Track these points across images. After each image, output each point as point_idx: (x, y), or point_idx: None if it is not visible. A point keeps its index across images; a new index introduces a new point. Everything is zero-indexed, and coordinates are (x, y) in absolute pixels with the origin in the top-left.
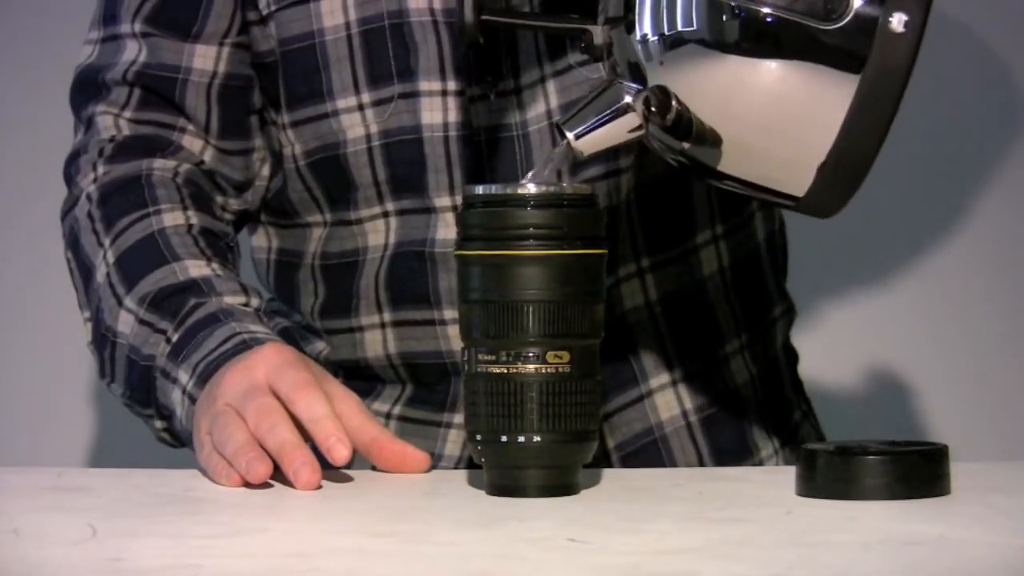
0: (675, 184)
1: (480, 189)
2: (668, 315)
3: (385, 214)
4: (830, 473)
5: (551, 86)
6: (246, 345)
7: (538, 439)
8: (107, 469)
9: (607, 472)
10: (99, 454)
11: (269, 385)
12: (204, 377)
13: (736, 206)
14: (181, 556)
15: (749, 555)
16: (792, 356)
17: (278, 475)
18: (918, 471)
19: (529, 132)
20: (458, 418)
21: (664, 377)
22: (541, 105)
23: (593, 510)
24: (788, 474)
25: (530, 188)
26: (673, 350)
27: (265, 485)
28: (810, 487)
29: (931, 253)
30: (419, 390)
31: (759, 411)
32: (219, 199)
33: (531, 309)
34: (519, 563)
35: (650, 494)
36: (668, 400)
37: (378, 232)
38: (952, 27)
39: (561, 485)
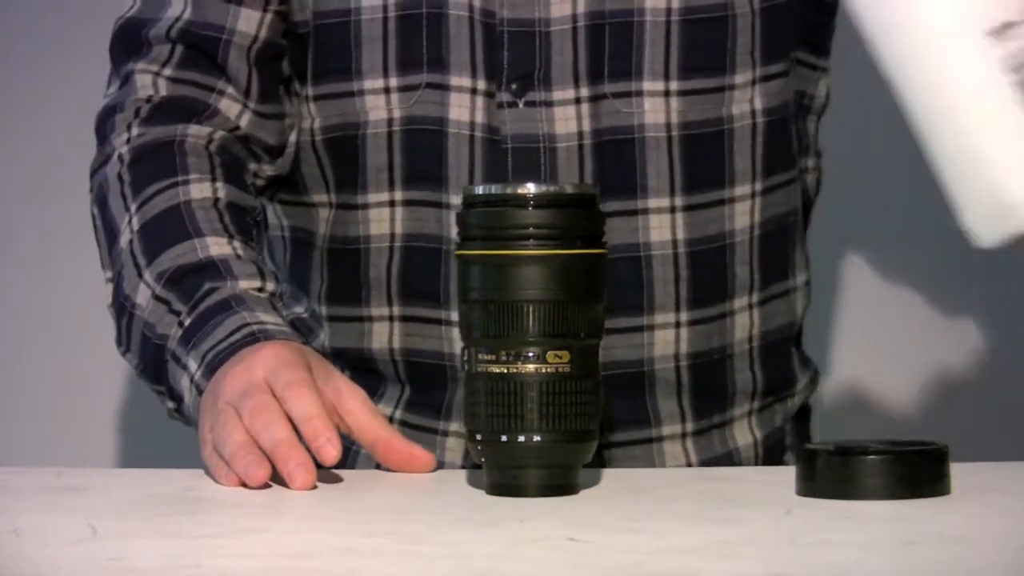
0: (720, 241)
1: (480, 189)
2: (693, 372)
3: (391, 203)
4: (830, 473)
5: (584, 109)
6: (254, 337)
7: (538, 439)
8: (107, 469)
9: (607, 472)
10: (99, 454)
11: (267, 384)
12: (212, 368)
13: (774, 277)
14: (181, 556)
15: (749, 554)
16: (805, 418)
17: (277, 475)
18: (918, 471)
19: (557, 148)
20: (454, 425)
21: (676, 428)
22: (572, 125)
23: (593, 510)
24: (788, 474)
25: (530, 188)
26: (689, 405)
27: (265, 485)
28: (810, 487)
29: (931, 252)
30: (416, 394)
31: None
32: (252, 166)
33: (531, 309)
34: (519, 563)
35: (650, 494)
36: (675, 451)
37: (382, 221)
38: None
39: (561, 485)
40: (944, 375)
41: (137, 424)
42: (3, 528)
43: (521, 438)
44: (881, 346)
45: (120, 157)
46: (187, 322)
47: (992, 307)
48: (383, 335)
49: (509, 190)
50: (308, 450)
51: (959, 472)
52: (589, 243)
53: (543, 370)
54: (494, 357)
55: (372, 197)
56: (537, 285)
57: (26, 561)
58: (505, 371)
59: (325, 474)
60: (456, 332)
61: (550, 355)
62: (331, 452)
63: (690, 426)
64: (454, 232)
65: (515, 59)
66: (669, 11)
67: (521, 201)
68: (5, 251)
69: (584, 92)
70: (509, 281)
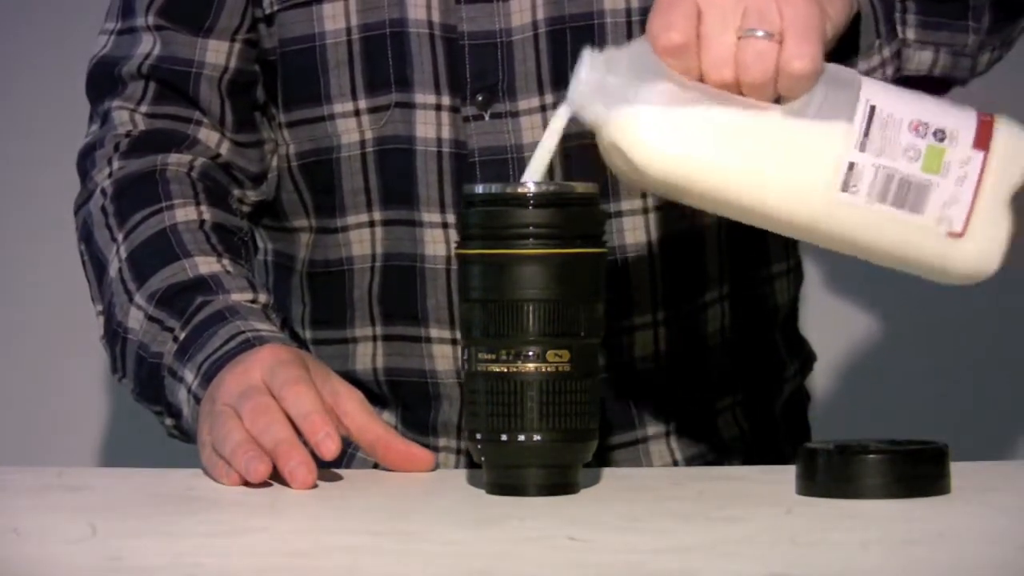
0: (691, 238)
1: (480, 188)
2: (672, 369)
3: (371, 223)
4: (830, 472)
5: (550, 117)
6: (249, 344)
7: (538, 438)
8: (107, 469)
9: (607, 471)
10: (100, 453)
11: (265, 384)
12: (208, 376)
13: (747, 267)
14: (181, 555)
15: (749, 554)
16: (800, 402)
17: (277, 474)
18: (918, 471)
19: (525, 157)
20: (443, 441)
21: (660, 427)
22: (539, 133)
23: (593, 509)
24: (788, 473)
25: (530, 187)
26: (671, 403)
27: (265, 484)
28: (810, 486)
29: None
30: (404, 411)
31: (747, 465)
32: (236, 192)
33: (531, 308)
34: (519, 562)
35: (650, 493)
36: (661, 450)
37: (363, 242)
38: None
39: (561, 484)
40: (943, 375)
41: (138, 424)
42: (3, 527)
43: (521, 437)
44: (880, 345)
45: (103, 191)
46: (181, 336)
47: (992, 306)
48: (367, 356)
49: (509, 189)
50: (308, 448)
51: (959, 471)
52: (589, 242)
53: (543, 369)
54: (494, 356)
55: (351, 219)
56: (537, 284)
57: (26, 560)
58: (505, 370)
59: (325, 473)
60: (436, 348)
61: (550, 354)
62: (331, 446)
63: (673, 424)
64: (428, 249)
65: (478, 72)
66: (629, 11)
67: (521, 200)
68: (4, 251)
69: (549, 99)
70: (509, 280)
